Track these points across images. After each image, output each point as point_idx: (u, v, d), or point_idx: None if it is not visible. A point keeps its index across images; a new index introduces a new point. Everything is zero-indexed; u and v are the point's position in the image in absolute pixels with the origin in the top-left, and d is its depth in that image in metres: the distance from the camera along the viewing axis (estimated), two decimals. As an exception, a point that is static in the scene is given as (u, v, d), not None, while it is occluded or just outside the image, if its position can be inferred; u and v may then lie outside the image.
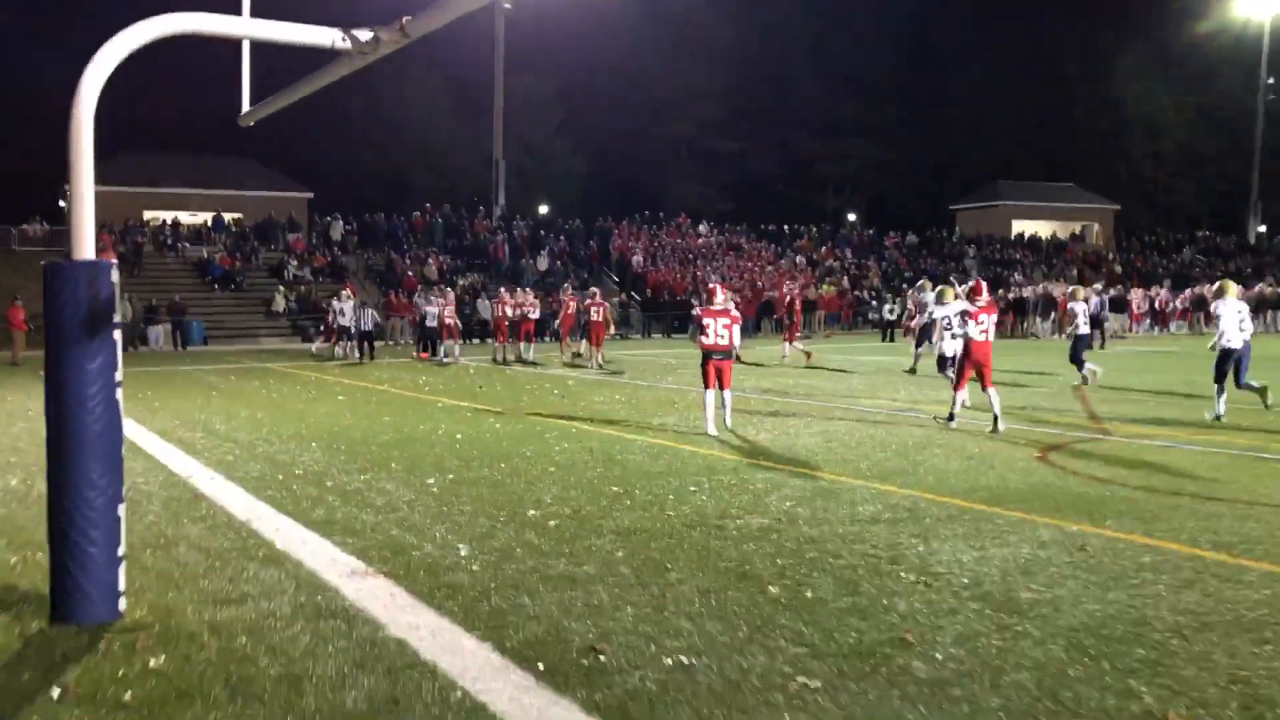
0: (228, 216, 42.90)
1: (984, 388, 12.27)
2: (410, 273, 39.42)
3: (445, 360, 25.17)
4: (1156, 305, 39.13)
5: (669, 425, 12.80)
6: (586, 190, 64.87)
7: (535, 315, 25.17)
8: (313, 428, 13.00)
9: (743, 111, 67.92)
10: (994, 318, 12.46)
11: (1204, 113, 76.17)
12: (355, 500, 8.35)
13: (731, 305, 13.93)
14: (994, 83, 73.89)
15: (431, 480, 9.17)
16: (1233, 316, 13.06)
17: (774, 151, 70.32)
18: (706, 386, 12.23)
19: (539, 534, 7.12)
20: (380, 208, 46.38)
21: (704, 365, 12.26)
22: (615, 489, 8.68)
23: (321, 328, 29.76)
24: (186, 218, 43.03)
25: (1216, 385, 13.01)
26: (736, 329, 12.55)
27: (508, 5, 47.43)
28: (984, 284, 12.92)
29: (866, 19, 71.82)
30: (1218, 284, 14.14)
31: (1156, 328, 39.04)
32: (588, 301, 24.08)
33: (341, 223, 43.30)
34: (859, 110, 71.22)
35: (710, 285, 14.19)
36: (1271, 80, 65.69)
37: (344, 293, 27.46)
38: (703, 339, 12.29)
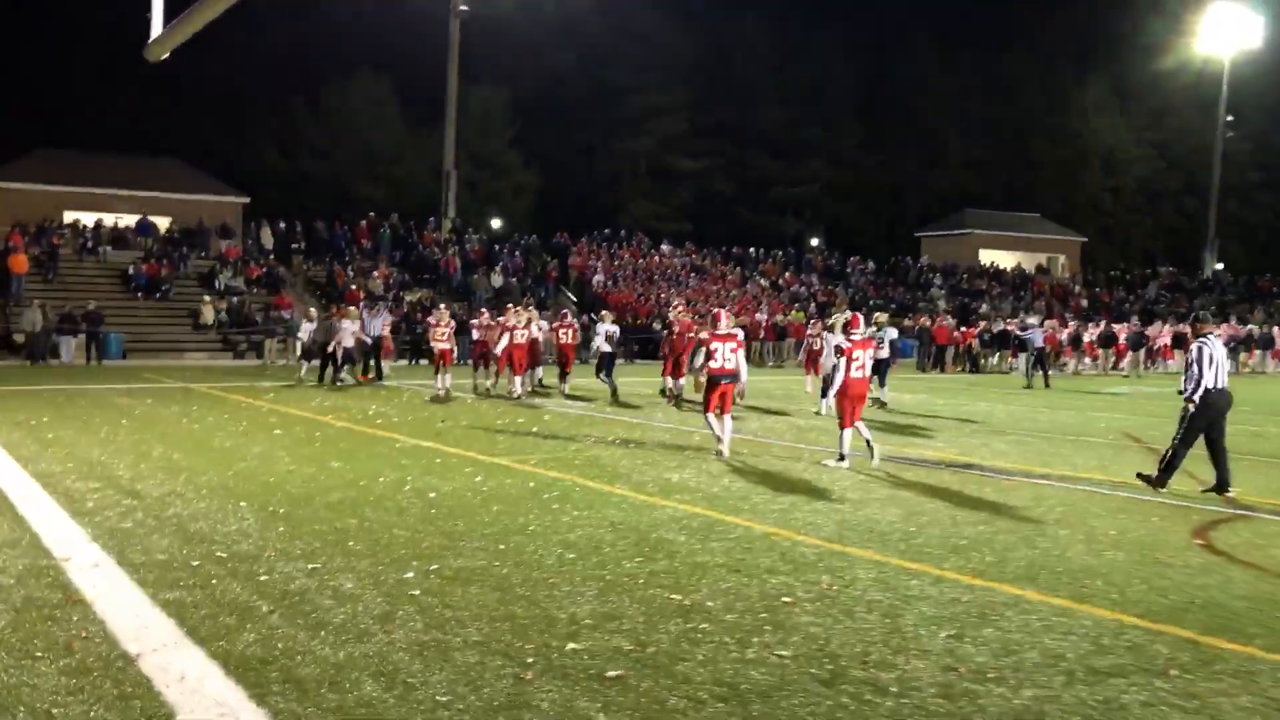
0: (155, 220, 39.62)
1: (851, 424, 11.69)
2: (354, 286, 36.49)
3: (344, 380, 22.33)
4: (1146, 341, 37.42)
5: (691, 483, 10.29)
6: (540, 205, 62.22)
7: (527, 337, 20.99)
8: (242, 477, 10.28)
9: (702, 130, 65.88)
10: (870, 353, 12.04)
11: (1162, 149, 75.88)
12: (302, 616, 5.72)
13: (739, 330, 13.38)
14: (954, 110, 72.85)
15: (410, 576, 6.56)
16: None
17: (733, 172, 68.33)
18: (709, 410, 12.22)
19: (595, 697, 4.57)
20: (322, 216, 43.32)
21: (710, 391, 12.21)
22: (675, 597, 6.14)
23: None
24: (110, 220, 39.66)
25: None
26: (742, 353, 12.38)
27: (464, 8, 44.86)
28: (860, 318, 12.55)
29: (827, 40, 70.41)
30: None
31: (1148, 365, 37.36)
32: (558, 323, 21.46)
33: (270, 228, 40.17)
34: (819, 133, 69.65)
35: (715, 311, 13.89)
36: (1230, 119, 65.34)
37: (351, 309, 23.94)
38: (711, 364, 12.15)
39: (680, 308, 20.68)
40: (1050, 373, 34.00)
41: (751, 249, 49.70)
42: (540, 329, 21.06)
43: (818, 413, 17.91)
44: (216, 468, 10.82)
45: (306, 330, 23.88)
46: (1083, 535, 8.10)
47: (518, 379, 20.01)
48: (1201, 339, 10.43)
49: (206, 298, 33.21)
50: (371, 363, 24.28)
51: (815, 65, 69.55)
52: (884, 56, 72.32)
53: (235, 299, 33.98)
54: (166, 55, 6.16)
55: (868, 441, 11.66)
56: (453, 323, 20.34)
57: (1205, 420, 10.27)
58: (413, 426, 14.99)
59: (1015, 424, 16.95)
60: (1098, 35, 73.77)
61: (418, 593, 6.17)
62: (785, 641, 5.35)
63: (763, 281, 46.10)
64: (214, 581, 6.37)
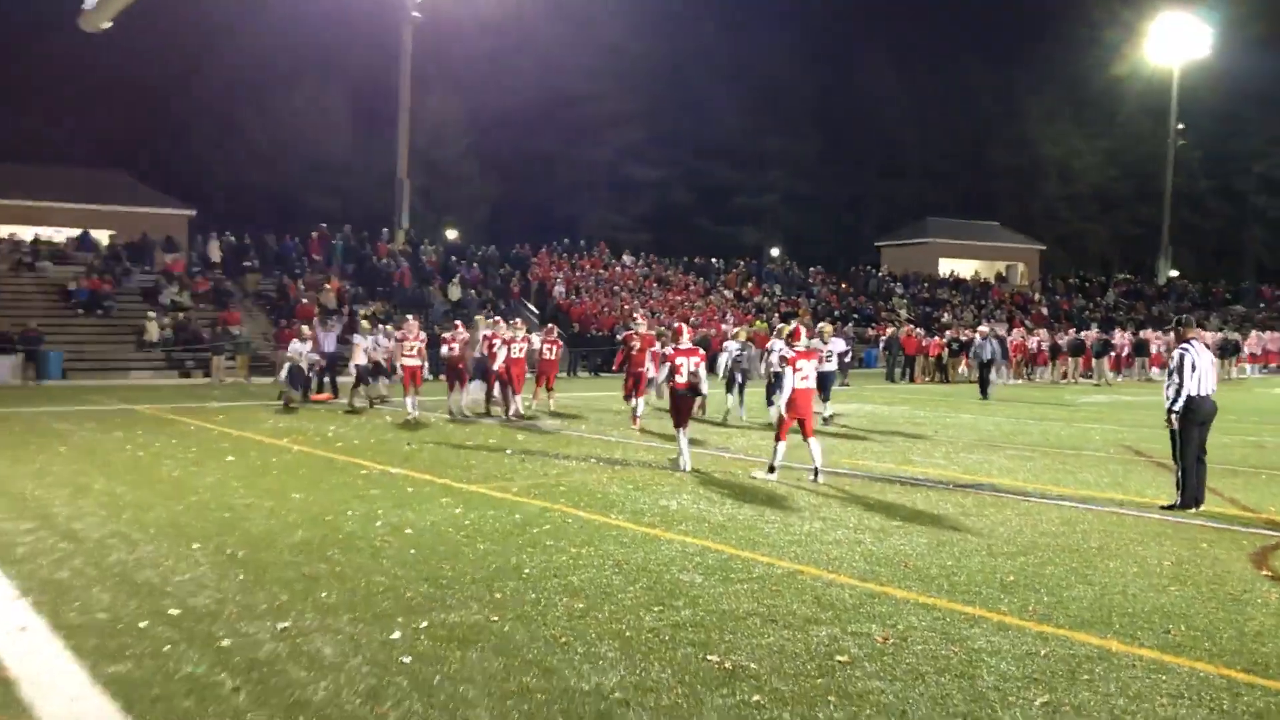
0: (97, 234, 38.09)
1: (805, 438, 11.50)
2: (305, 299, 35.26)
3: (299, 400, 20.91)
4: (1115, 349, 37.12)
5: (691, 510, 9.42)
6: (496, 216, 61.13)
7: (524, 351, 19.23)
8: (194, 512, 9.26)
9: (661, 139, 65.20)
10: (814, 364, 11.81)
11: (1116, 157, 76.45)
12: (275, 694, 4.78)
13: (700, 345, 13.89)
14: (912, 119, 72.86)
15: (397, 636, 5.63)
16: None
17: (692, 181, 67.70)
18: (680, 425, 12.24)
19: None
20: (271, 228, 42.01)
21: (679, 404, 12.26)
22: (712, 659, 5.26)
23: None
24: (49, 233, 38.06)
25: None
26: (704, 366, 12.41)
27: (417, 15, 43.80)
28: (803, 329, 12.36)
29: (785, 50, 70.13)
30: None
31: (1117, 373, 37.07)
32: (543, 337, 19.87)
33: (217, 241, 38.78)
34: (779, 142, 69.32)
35: (676, 325, 13.95)
36: (1181, 126, 65.94)
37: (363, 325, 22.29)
38: (677, 379, 12.14)
39: (641, 321, 19.12)
40: (1022, 382, 33.78)
41: (713, 259, 49.04)
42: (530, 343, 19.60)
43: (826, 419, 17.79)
44: (165, 502, 9.78)
45: (298, 350, 21.74)
46: (1136, 567, 7.35)
47: (518, 398, 18.52)
48: (1184, 345, 9.79)
49: (151, 314, 31.80)
50: (326, 380, 23.22)
51: (773, 75, 69.26)
52: (841, 66, 72.25)
53: (181, 315, 32.61)
54: (108, 25, 5.31)
55: (773, 461, 11.50)
56: (424, 336, 18.67)
57: (1195, 427, 9.62)
58: (377, 450, 13.99)
59: (1008, 438, 16.28)
60: (1052, 44, 74.19)
61: (409, 659, 5.24)
62: (857, 717, 4.50)
63: (726, 293, 45.41)
64: (166, 649, 5.40)
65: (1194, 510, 9.52)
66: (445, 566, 7.26)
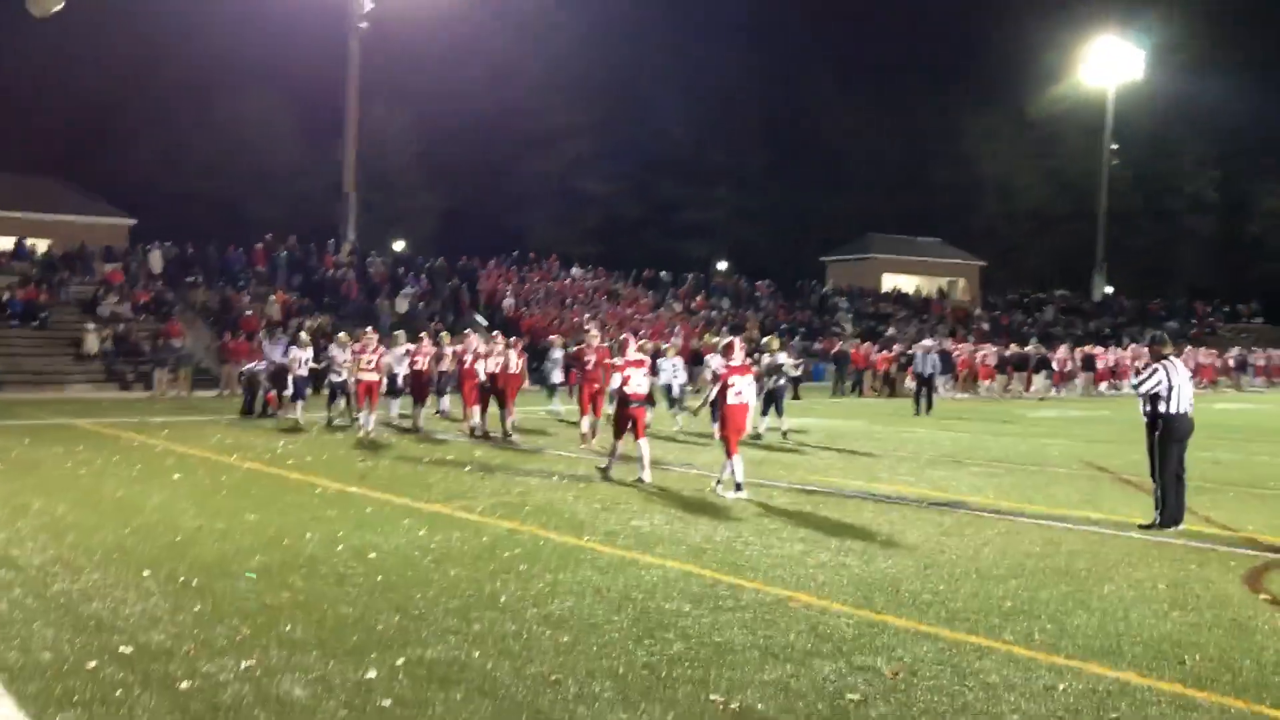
0: (33, 242, 36.92)
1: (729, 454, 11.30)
2: (250, 311, 34.45)
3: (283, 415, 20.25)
4: (1055, 364, 37.52)
5: (665, 531, 9.10)
6: (444, 227, 60.37)
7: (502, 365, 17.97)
8: (142, 536, 8.76)
9: (609, 153, 64.93)
10: (749, 379, 11.69)
11: (1053, 176, 77.69)
12: (245, 743, 4.39)
13: (645, 355, 13.95)
14: (855, 136, 73.39)
15: (372, 676, 5.24)
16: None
17: (641, 195, 67.52)
18: (619, 437, 12.40)
19: None
20: (214, 238, 41.04)
21: (621, 415, 12.35)
22: (716, 699, 4.95)
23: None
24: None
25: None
26: (649, 378, 12.77)
27: (364, 24, 43.20)
28: (738, 343, 12.12)
29: (732, 65, 70.30)
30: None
31: (1062, 389, 37.43)
32: (513, 350, 18.50)
33: (158, 251, 37.80)
34: (726, 157, 69.45)
35: (623, 336, 14.44)
36: (1115, 147, 67.24)
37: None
38: (625, 389, 12.24)
39: (594, 334, 17.95)
40: (968, 396, 33.93)
41: (662, 273, 48.88)
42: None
43: (757, 435, 17.33)
44: (110, 524, 9.26)
45: (298, 356, 20.38)
46: (1131, 591, 7.17)
47: (510, 416, 17.58)
48: (1162, 362, 9.70)
49: (90, 325, 30.80)
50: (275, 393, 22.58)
51: (721, 90, 69.41)
52: (788, 82, 72.57)
53: (121, 326, 31.66)
54: (58, 7, 4.93)
55: (736, 479, 11.23)
56: (381, 349, 17.73)
57: (1173, 445, 9.53)
58: (330, 467, 13.50)
59: (968, 453, 16.18)
60: (991, 64, 75.27)
61: (388, 703, 4.86)
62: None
63: (676, 306, 45.24)
64: (119, 693, 4.97)
65: (1173, 529, 9.40)
66: (416, 594, 6.87)
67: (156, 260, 37.41)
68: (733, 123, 69.59)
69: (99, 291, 33.49)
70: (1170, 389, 9.51)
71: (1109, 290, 69.29)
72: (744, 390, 11.41)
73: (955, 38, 74.92)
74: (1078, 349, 40.65)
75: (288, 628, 6.07)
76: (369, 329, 18.16)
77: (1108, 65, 62.95)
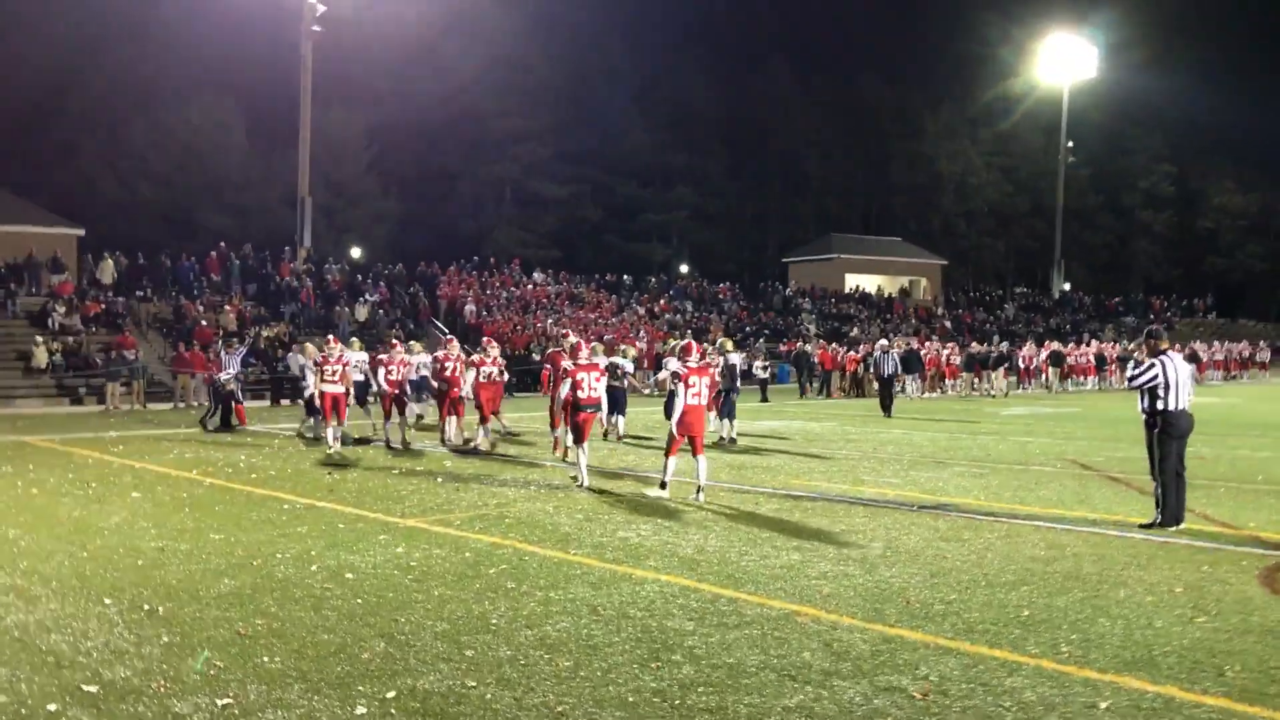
0: (-24, 254, 35.87)
1: (694, 454, 11.30)
2: (204, 322, 33.67)
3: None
4: (1022, 362, 37.58)
5: (652, 542, 8.73)
6: (400, 233, 59.52)
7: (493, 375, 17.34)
8: (102, 560, 8.25)
9: (568, 156, 64.39)
10: (707, 380, 11.59)
11: (1010, 174, 78.31)
12: (228, 796, 3.96)
13: (601, 359, 13.96)
14: (814, 136, 73.50)
15: (362, 712, 4.82)
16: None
17: (600, 198, 67.10)
18: (579, 442, 12.33)
19: None
20: (166, 247, 40.12)
21: (576, 420, 12.31)
22: (737, 727, 4.59)
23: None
24: (-78, 254, 35.72)
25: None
26: (604, 382, 12.63)
27: (317, 27, 42.46)
28: (694, 344, 12.24)
29: (689, 66, 70.18)
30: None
31: (1023, 385, 37.51)
32: (494, 357, 17.57)
33: (109, 261, 36.87)
34: (684, 158, 69.25)
35: (575, 341, 13.92)
36: (1071, 144, 67.81)
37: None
38: (578, 394, 12.19)
39: (573, 339, 16.89)
40: (936, 395, 33.86)
41: (625, 276, 48.55)
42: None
43: (721, 439, 17.20)
44: (67, 548, 8.74)
45: (300, 362, 19.39)
46: (1149, 596, 6.89)
47: (490, 426, 16.93)
48: (1159, 358, 9.47)
49: (39, 338, 29.90)
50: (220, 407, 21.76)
51: (678, 91, 69.23)
52: (746, 83, 72.56)
53: (71, 339, 30.78)
54: None
55: (663, 478, 11.38)
56: (347, 359, 16.75)
57: (1173, 441, 9.30)
58: (297, 481, 12.99)
59: (948, 453, 15.96)
60: (948, 62, 75.80)
61: (384, 744, 4.46)
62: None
63: (639, 309, 44.89)
64: (85, 739, 4.52)
65: (1174, 528, 9.17)
66: (400, 618, 6.45)
67: (106, 271, 36.49)
68: (692, 124, 69.40)
69: (48, 304, 32.57)
70: (1168, 385, 9.28)
71: (1066, 287, 69.90)
72: (701, 391, 11.36)
73: (912, 36, 75.40)
74: (1042, 345, 40.81)
75: (265, 659, 5.64)
76: (331, 337, 17.26)
77: (1062, 63, 63.43)
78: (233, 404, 20.98)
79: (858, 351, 36.77)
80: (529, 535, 9.17)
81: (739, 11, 71.87)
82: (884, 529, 9.37)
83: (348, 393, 15.49)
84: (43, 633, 6.19)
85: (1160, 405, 9.31)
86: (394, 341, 17.96)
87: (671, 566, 7.84)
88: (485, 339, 19.27)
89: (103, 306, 33.76)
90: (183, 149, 53.60)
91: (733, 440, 17.37)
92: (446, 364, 17.00)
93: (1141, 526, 9.33)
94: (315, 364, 16.68)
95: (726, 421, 17.63)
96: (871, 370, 30.14)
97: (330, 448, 15.93)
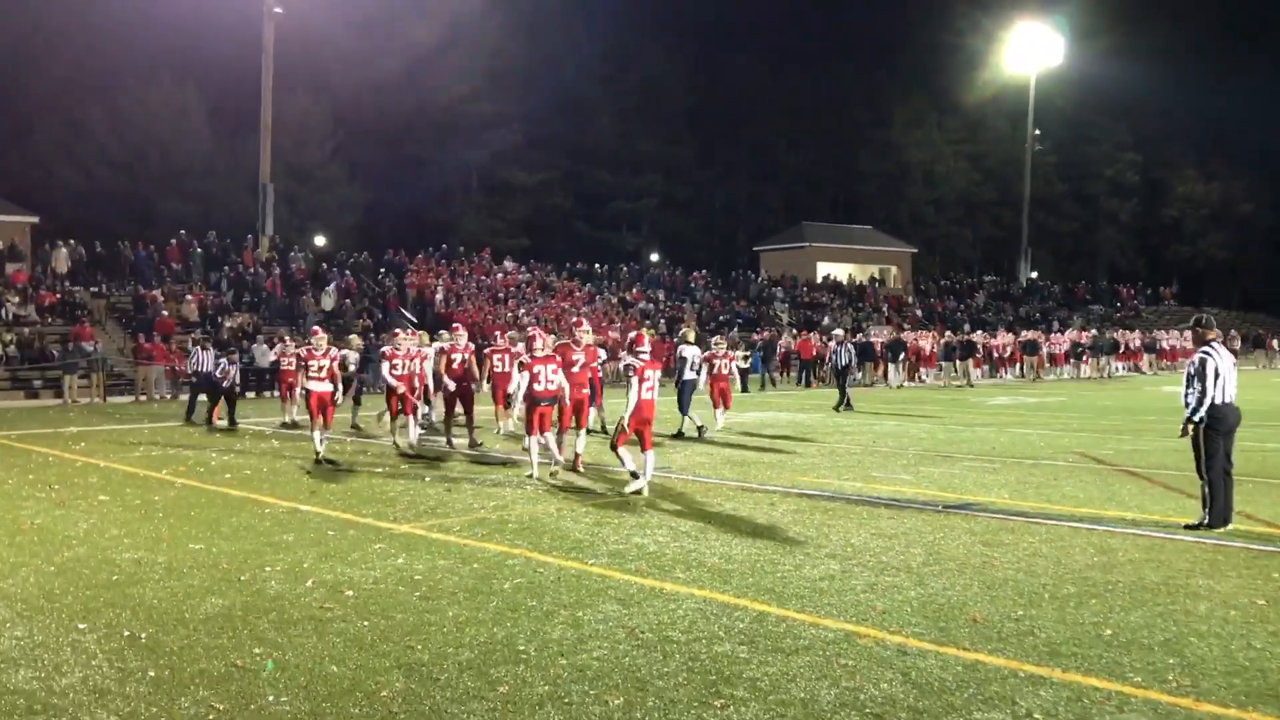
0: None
1: (643, 449, 11.04)
2: (165, 312, 32.59)
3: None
4: (996, 352, 37.30)
5: (673, 549, 8.08)
6: (366, 221, 58.33)
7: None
8: (71, 576, 7.48)
9: (536, 143, 63.36)
10: (658, 374, 11.49)
11: (978, 162, 78.24)
12: None
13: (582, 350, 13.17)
14: (784, 124, 72.96)
15: (395, 768, 4.15)
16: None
17: (570, 186, 66.19)
18: (531, 433, 12.10)
19: None
20: (125, 236, 38.86)
21: (532, 412, 12.03)
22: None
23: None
24: None
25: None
26: (561, 373, 12.14)
27: (278, 10, 41.25)
28: (646, 335, 11.94)
29: (658, 52, 69.38)
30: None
31: (999, 373, 37.24)
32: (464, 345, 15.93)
33: (65, 250, 35.64)
34: (654, 146, 68.48)
35: (530, 332, 13.39)
36: (1037, 132, 67.76)
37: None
38: (535, 387, 11.89)
39: (588, 331, 13.80)
40: (915, 384, 33.48)
41: (597, 265, 47.82)
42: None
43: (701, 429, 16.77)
44: (31, 562, 7.95)
45: (352, 358, 18.30)
46: (1232, 611, 6.34)
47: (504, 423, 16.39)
48: (1205, 349, 8.96)
49: (-8, 329, 28.80)
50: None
51: (647, 77, 68.40)
52: (715, 70, 71.82)
53: (27, 330, 29.63)
54: None
55: (639, 471, 11.01)
56: (335, 355, 15.33)
57: (1219, 437, 8.80)
58: (274, 482, 12.22)
59: (951, 447, 15.44)
60: (916, 51, 75.51)
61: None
62: None
63: (612, 298, 44.17)
64: (67, 810, 3.81)
65: (1222, 529, 8.66)
66: (416, 645, 5.76)
67: (62, 259, 35.28)
68: (661, 112, 68.59)
69: (1, 294, 31.38)
70: (1216, 376, 8.76)
71: (1033, 275, 69.94)
72: (655, 384, 11.23)
73: (880, 23, 75.02)
74: (1014, 334, 40.58)
75: (270, 698, 4.94)
76: (316, 329, 16.01)
77: (1029, 51, 63.25)
78: (223, 398, 19.90)
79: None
80: (537, 542, 8.49)
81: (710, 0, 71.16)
82: (917, 532, 8.78)
83: (334, 392, 14.39)
84: (9, 667, 5.45)
85: (1207, 399, 8.78)
86: (395, 330, 16.27)
87: (701, 578, 7.20)
88: (454, 327, 17.47)
89: (59, 296, 32.60)
90: (142, 135, 52.13)
91: (684, 435, 16.66)
92: (454, 356, 15.53)
93: (1187, 527, 8.82)
94: (299, 360, 15.46)
95: (686, 417, 16.89)
96: (827, 362, 29.66)
97: (318, 453, 14.04)
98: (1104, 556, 7.81)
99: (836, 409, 22.68)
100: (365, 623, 6.21)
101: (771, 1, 72.24)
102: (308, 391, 14.23)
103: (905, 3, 74.70)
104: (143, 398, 27.51)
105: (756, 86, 71.98)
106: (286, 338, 18.62)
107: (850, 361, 25.08)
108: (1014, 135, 72.52)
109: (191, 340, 24.83)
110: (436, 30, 56.57)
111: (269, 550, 8.30)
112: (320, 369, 14.17)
